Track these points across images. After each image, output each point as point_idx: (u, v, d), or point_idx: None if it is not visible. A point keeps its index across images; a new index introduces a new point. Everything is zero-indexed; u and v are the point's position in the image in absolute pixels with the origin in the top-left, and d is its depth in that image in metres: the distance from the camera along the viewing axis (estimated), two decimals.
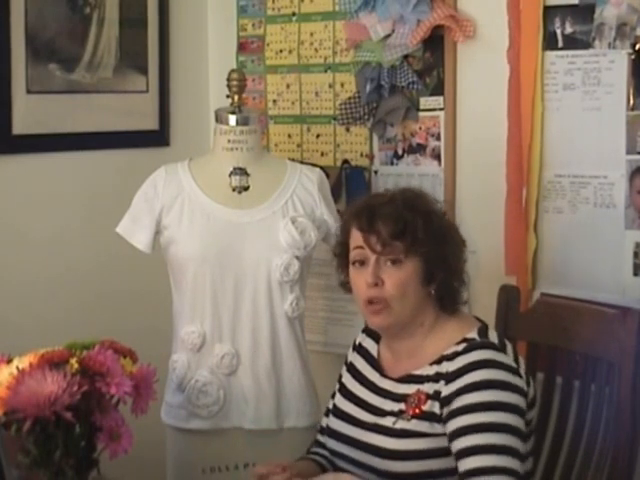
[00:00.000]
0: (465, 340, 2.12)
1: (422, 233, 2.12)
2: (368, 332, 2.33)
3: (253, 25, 3.36)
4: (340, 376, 2.34)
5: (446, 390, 2.07)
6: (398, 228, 2.12)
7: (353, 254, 2.18)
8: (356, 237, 2.17)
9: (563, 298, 2.60)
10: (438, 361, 2.11)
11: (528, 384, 2.12)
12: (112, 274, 3.19)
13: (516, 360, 2.13)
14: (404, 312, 2.14)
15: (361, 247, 2.16)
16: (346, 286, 2.25)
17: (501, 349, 2.11)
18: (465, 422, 2.02)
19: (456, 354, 2.09)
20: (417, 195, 2.22)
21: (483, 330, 2.16)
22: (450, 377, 2.07)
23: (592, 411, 2.34)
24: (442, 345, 2.13)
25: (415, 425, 2.09)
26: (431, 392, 2.09)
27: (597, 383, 2.35)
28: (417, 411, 2.09)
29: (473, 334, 2.13)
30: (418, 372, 2.14)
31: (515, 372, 2.08)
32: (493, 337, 2.15)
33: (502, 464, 1.98)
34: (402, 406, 2.13)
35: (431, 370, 2.12)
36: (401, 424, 2.11)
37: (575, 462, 2.34)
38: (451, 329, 2.16)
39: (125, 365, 2.13)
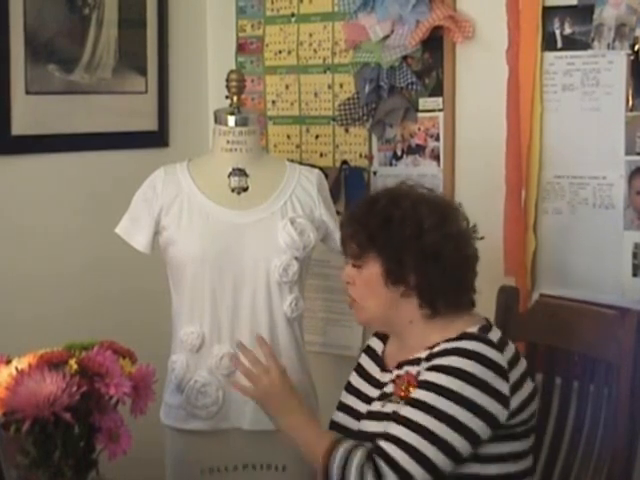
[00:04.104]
0: (464, 333, 2.12)
1: (369, 238, 2.14)
2: (377, 333, 2.37)
3: (252, 26, 3.36)
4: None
5: (422, 368, 2.09)
6: (350, 231, 2.20)
7: None
8: None
9: (562, 299, 2.60)
10: (432, 347, 2.12)
11: (515, 390, 2.07)
12: (111, 275, 3.19)
13: (513, 362, 2.10)
14: (375, 310, 2.20)
15: None
16: None
17: (497, 347, 2.09)
18: (413, 395, 2.04)
19: (447, 341, 2.10)
20: (394, 197, 2.20)
21: (486, 327, 2.15)
22: (430, 357, 2.09)
23: (591, 411, 2.34)
24: (443, 336, 2.13)
25: None
26: (415, 373, 2.11)
27: (596, 384, 2.35)
28: (406, 394, 2.10)
29: (474, 329, 2.13)
30: (411, 356, 2.16)
31: (500, 372, 2.05)
32: (494, 335, 2.14)
33: (414, 443, 1.97)
34: (392, 388, 2.14)
35: (423, 354, 2.13)
36: (392, 407, 2.11)
37: (574, 462, 2.34)
38: (455, 324, 2.15)
39: (124, 366, 2.13)
